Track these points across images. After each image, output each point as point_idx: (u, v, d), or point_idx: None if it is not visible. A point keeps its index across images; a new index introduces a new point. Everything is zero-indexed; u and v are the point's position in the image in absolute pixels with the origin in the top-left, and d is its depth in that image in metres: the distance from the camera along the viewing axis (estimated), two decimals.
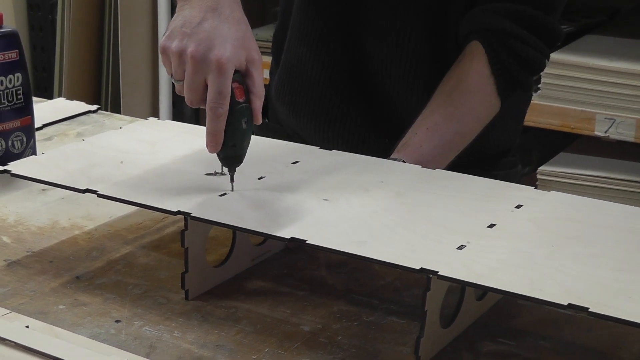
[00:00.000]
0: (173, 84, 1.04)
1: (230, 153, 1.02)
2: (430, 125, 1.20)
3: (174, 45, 0.99)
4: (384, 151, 1.21)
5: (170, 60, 1.01)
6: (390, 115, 1.31)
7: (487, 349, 0.92)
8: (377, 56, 1.29)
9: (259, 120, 1.02)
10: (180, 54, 0.99)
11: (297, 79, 1.36)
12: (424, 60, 1.28)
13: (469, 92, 1.21)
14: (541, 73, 1.48)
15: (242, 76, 1.01)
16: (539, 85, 2.11)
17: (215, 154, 1.03)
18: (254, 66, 1.01)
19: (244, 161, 1.04)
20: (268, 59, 1.43)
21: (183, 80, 1.00)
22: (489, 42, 1.22)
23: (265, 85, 1.04)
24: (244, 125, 1.01)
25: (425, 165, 1.12)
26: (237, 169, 1.04)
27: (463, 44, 1.25)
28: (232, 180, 1.04)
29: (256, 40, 1.04)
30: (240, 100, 1.00)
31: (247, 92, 1.01)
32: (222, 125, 0.99)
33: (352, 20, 1.30)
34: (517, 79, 1.23)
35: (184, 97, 1.02)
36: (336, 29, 1.31)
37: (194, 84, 0.99)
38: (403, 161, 1.15)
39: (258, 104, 1.02)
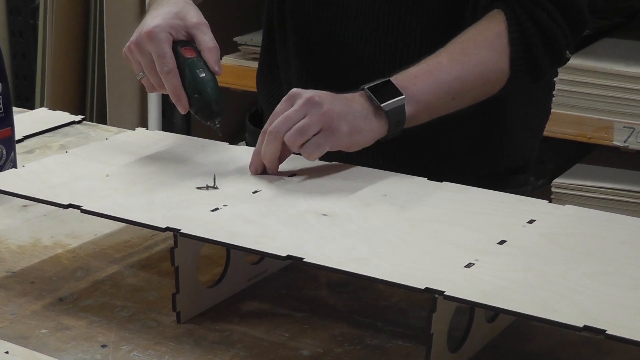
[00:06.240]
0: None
1: (200, 103, 1.13)
2: (434, 64, 1.20)
3: (125, 50, 1.17)
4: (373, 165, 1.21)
5: (133, 60, 1.17)
6: None
7: None
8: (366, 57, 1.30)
9: (217, 69, 1.15)
10: (129, 49, 1.16)
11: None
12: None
13: (483, 47, 1.22)
14: (555, 78, 1.48)
15: (189, 42, 1.15)
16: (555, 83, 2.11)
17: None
18: (196, 28, 1.16)
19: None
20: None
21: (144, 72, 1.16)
22: (512, 9, 1.23)
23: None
24: (201, 74, 1.13)
25: (411, 93, 1.14)
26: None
27: (483, 13, 1.25)
28: (216, 125, 1.15)
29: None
30: (190, 56, 1.14)
31: (198, 52, 1.15)
32: (175, 80, 1.13)
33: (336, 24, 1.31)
34: (533, 52, 1.23)
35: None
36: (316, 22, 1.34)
37: (144, 65, 1.14)
38: (389, 80, 1.15)
39: (210, 56, 1.15)
